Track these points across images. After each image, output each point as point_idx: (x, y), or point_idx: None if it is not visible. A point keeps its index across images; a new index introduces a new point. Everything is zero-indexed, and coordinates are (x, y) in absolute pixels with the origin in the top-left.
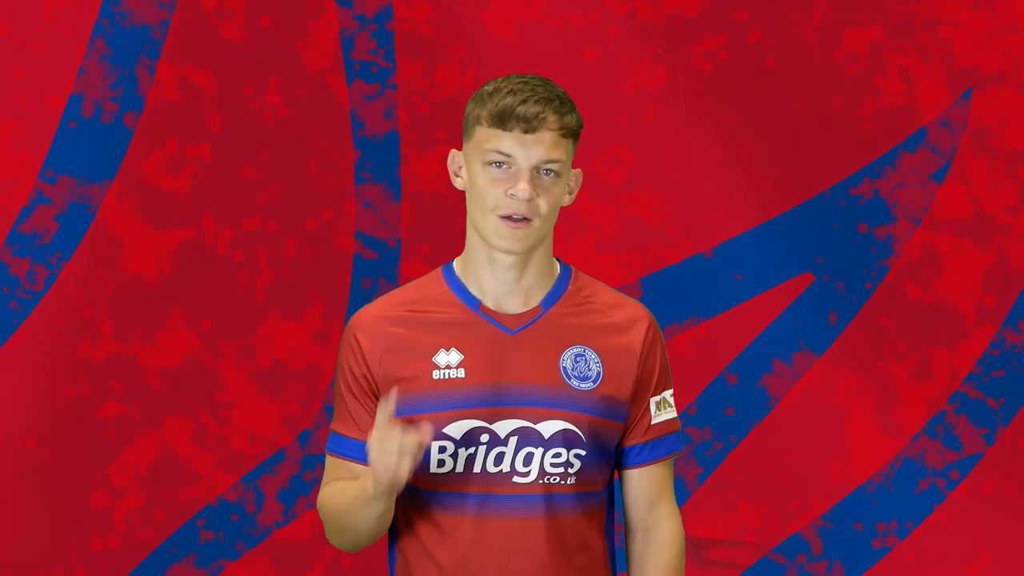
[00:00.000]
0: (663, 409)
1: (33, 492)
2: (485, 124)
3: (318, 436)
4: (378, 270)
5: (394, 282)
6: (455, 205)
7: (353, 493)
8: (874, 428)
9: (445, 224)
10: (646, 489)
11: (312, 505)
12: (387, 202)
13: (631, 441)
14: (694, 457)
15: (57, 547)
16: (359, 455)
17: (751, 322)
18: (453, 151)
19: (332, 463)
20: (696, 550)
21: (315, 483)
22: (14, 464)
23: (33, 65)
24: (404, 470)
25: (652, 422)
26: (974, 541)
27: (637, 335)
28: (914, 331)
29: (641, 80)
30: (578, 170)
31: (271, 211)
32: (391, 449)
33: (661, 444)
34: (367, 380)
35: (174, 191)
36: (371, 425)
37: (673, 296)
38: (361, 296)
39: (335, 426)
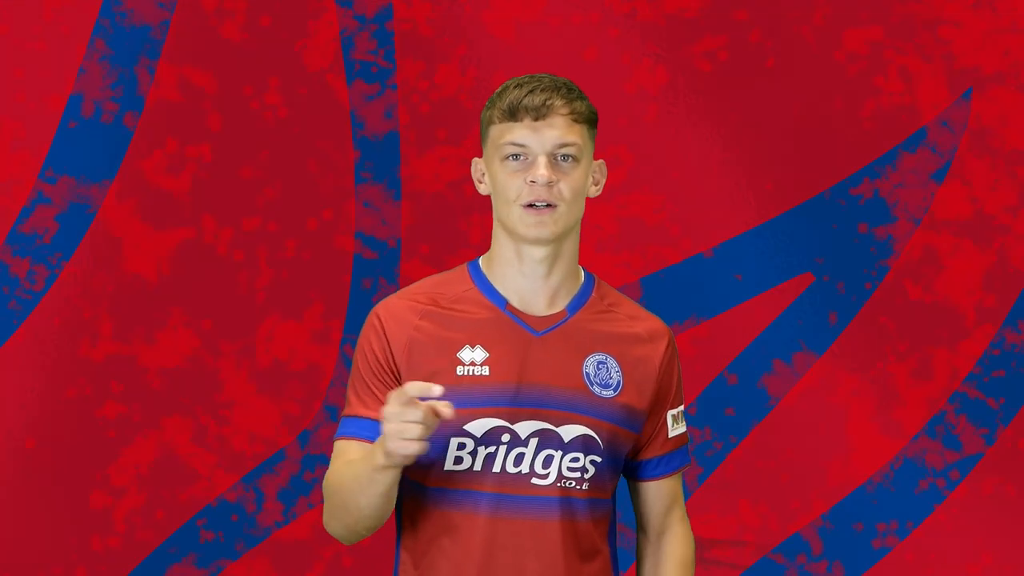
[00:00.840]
0: (678, 422)
1: (33, 492)
2: (497, 121)
3: (318, 436)
4: (378, 270)
5: (394, 282)
6: (455, 205)
7: (360, 467)
8: (874, 428)
9: (445, 224)
10: (662, 500)
11: (312, 505)
12: (387, 202)
13: (649, 454)
14: (694, 457)
15: (57, 547)
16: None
17: (751, 322)
18: (475, 159)
19: (345, 446)
20: (696, 550)
21: (315, 483)
22: (14, 464)
23: (33, 65)
24: (418, 441)
25: (669, 435)
26: (974, 541)
27: (658, 350)
28: (914, 331)
29: (641, 80)
30: (601, 161)
31: (271, 211)
32: (409, 417)
33: (675, 457)
34: (391, 366)
35: (174, 191)
36: None
37: (673, 296)
38: (361, 296)
39: (353, 409)
